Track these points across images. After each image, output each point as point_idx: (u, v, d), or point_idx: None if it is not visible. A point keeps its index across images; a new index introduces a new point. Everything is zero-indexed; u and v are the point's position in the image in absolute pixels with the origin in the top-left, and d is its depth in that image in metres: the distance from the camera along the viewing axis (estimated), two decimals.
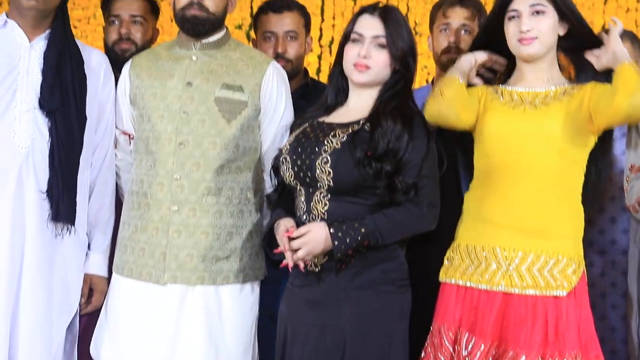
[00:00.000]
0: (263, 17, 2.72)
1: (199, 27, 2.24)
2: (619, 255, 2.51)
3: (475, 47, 2.22)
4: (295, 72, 2.71)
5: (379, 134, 2.00)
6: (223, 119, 2.21)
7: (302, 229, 2.00)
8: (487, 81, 2.23)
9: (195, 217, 2.19)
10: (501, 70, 2.23)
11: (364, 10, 2.14)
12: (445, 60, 2.57)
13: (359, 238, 1.96)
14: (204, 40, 2.28)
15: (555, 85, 2.08)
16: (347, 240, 1.95)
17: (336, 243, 1.94)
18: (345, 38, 2.14)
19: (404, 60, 2.09)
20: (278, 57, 2.62)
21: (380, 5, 2.13)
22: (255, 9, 4.62)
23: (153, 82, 2.27)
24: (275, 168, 2.18)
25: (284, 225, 2.05)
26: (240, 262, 2.23)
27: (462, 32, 2.59)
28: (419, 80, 4.61)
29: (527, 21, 2.03)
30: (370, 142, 2.00)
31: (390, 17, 2.09)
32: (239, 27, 4.82)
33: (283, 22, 2.67)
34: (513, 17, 2.06)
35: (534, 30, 2.03)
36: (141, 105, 2.28)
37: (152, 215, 2.21)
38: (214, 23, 2.26)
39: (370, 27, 2.09)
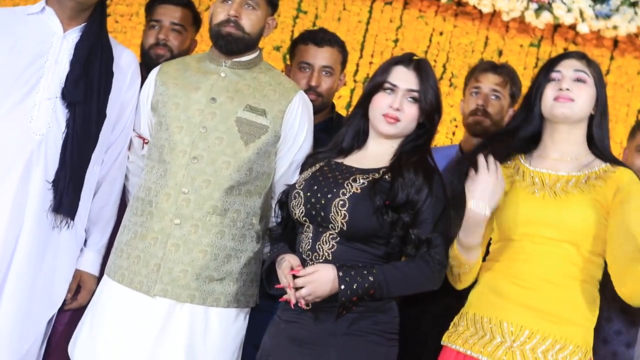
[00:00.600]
0: (302, 46, 2.72)
1: (232, 45, 2.25)
2: (622, 347, 2.45)
3: (514, 121, 2.18)
4: (324, 107, 2.72)
5: (399, 184, 2.00)
6: (241, 140, 2.21)
7: (310, 269, 1.98)
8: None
9: (196, 234, 2.18)
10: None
11: (399, 61, 2.14)
12: (472, 122, 2.66)
13: (366, 286, 1.94)
14: (235, 59, 2.29)
15: (579, 170, 2.04)
16: (354, 287, 1.93)
17: (342, 287, 1.92)
18: (376, 86, 2.13)
19: (430, 115, 2.11)
20: (310, 89, 2.63)
21: (415, 58, 2.14)
22: (296, 33, 4.72)
23: (177, 92, 2.27)
24: (282, 203, 2.17)
25: (289, 261, 2.03)
26: (234, 286, 2.21)
27: (492, 97, 2.67)
28: (445, 131, 4.66)
29: (569, 82, 2.04)
30: (390, 192, 2.00)
31: (425, 72, 2.11)
32: (277, 48, 4.84)
33: (322, 56, 2.67)
34: (554, 79, 2.06)
35: (574, 92, 2.02)
36: (162, 112, 2.28)
37: (153, 225, 2.20)
38: (248, 43, 2.27)
39: (405, 79, 2.10)
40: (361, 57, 4.81)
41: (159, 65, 2.40)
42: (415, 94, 2.09)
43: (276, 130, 2.25)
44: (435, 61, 4.71)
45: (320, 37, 2.69)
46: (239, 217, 2.22)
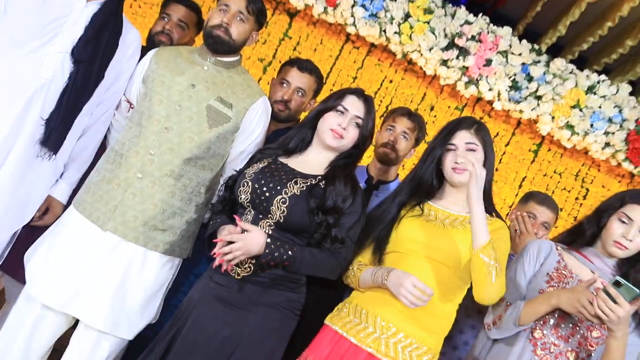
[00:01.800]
0: (289, 67, 2.71)
1: (218, 45, 2.23)
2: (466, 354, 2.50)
3: (422, 164, 2.19)
4: (289, 119, 2.71)
5: (331, 191, 2.00)
6: (207, 123, 2.19)
7: (248, 225, 1.96)
8: None
9: (152, 189, 2.15)
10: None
11: (353, 92, 2.15)
12: (381, 152, 2.70)
13: (284, 257, 1.94)
14: (219, 57, 2.27)
15: (467, 212, 2.07)
16: (275, 254, 1.93)
17: (266, 251, 1.92)
18: (330, 107, 2.13)
19: (364, 140, 2.12)
20: (282, 101, 2.62)
21: (365, 93, 2.16)
22: (279, 52, 4.71)
23: (166, 72, 2.24)
24: (228, 185, 2.15)
25: (229, 230, 1.99)
26: (173, 237, 2.19)
27: (402, 137, 2.71)
28: (367, 154, 4.63)
29: (462, 153, 2.05)
30: (322, 197, 2.00)
31: (371, 106, 2.13)
32: (261, 60, 4.80)
33: (300, 79, 2.66)
34: (450, 149, 2.08)
35: (466, 162, 2.04)
36: (149, 86, 2.24)
37: (119, 173, 2.16)
38: (232, 47, 2.26)
39: (355, 107, 2.11)
40: (325, 82, 4.80)
41: (157, 48, 2.36)
42: (360, 121, 2.10)
43: (237, 122, 2.24)
44: (381, 101, 4.73)
45: (304, 64, 2.68)
46: (190, 184, 2.20)
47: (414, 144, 2.76)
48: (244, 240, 1.92)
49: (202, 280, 2.09)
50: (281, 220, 1.98)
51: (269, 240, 1.93)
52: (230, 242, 1.94)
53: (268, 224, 2.00)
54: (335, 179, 2.03)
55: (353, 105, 2.11)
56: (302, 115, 2.76)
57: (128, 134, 2.21)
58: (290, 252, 1.94)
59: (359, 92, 2.15)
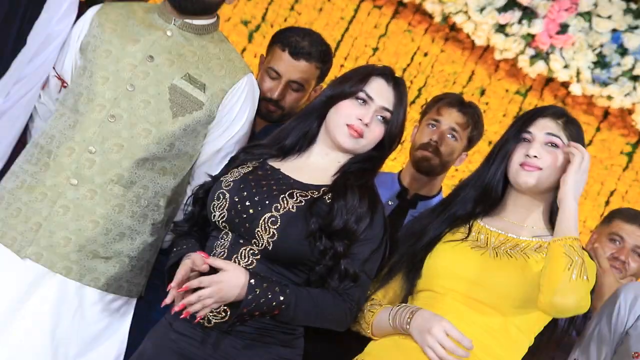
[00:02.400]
0: (278, 50, 2.68)
1: (187, 2, 2.24)
2: None
3: (477, 175, 2.21)
4: (284, 119, 2.69)
5: (340, 208, 2.00)
6: (170, 110, 2.21)
7: (221, 262, 1.96)
8: None
9: (92, 201, 2.17)
10: None
11: (381, 72, 2.14)
12: (419, 157, 2.74)
13: (274, 304, 1.93)
14: (187, 19, 2.28)
15: (533, 236, 2.08)
16: (262, 301, 1.92)
17: (249, 297, 1.91)
18: (348, 93, 2.12)
19: (391, 141, 2.13)
20: (271, 100, 2.63)
21: (396, 75, 2.16)
22: (270, 12, 4.72)
23: (113, 39, 2.25)
24: (197, 198, 2.15)
25: (194, 262, 1.98)
26: (119, 268, 2.20)
27: (449, 135, 2.74)
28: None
29: (539, 147, 2.07)
30: (328, 215, 1.99)
31: (403, 93, 2.14)
32: (245, 23, 4.85)
33: (294, 69, 2.65)
34: (524, 140, 2.09)
35: (542, 159, 2.05)
36: (90, 57, 2.26)
37: (45, 178, 2.17)
38: (206, 6, 2.27)
39: (383, 95, 2.11)
40: (334, 55, 4.83)
41: (100, 5, 2.38)
42: (388, 114, 2.10)
43: (212, 109, 2.25)
44: (411, 82, 4.78)
45: (299, 47, 2.64)
46: (145, 194, 2.21)
47: (466, 145, 2.78)
48: (217, 285, 1.92)
49: (159, 328, 2.08)
50: (269, 248, 1.98)
51: (252, 281, 1.92)
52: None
53: (251, 252, 2.01)
54: (347, 190, 2.03)
55: (380, 93, 2.11)
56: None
57: (59, 124, 2.22)
58: (282, 297, 1.94)
59: (388, 74, 2.15)
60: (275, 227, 1.98)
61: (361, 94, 2.10)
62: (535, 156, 2.04)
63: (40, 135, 2.26)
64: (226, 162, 2.23)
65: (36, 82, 2.33)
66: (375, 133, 2.09)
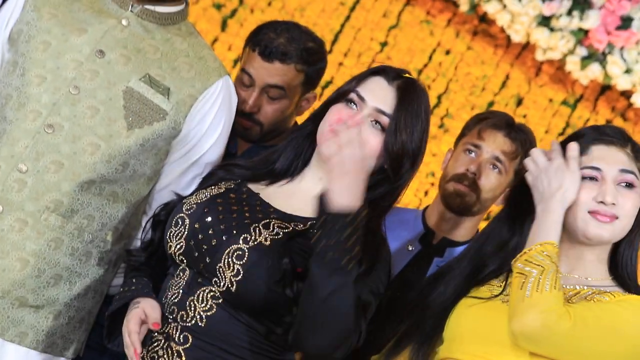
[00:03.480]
0: (249, 50, 2.77)
1: None
2: None
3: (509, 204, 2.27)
4: (267, 137, 2.77)
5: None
6: (124, 120, 2.24)
7: None
8: None
9: (21, 234, 2.18)
10: None
11: (380, 70, 2.19)
12: (452, 191, 2.75)
13: None
14: (149, 6, 2.32)
15: (585, 285, 2.11)
16: None
17: None
18: (338, 95, 2.18)
19: (397, 160, 2.13)
20: (244, 114, 2.69)
21: (406, 75, 2.18)
22: None
23: (53, 28, 2.28)
24: (158, 221, 2.19)
25: (144, 310, 2.02)
26: (53, 321, 2.22)
27: (491, 166, 2.75)
28: (415, 187, 4.66)
29: (613, 189, 2.08)
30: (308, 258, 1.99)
31: (410, 98, 2.13)
32: (218, 6, 4.88)
33: (268, 73, 2.72)
34: (590, 178, 2.10)
35: (618, 205, 2.07)
36: (22, 49, 2.28)
37: None
38: None
39: (379, 96, 2.14)
40: (330, 51, 4.87)
41: None
42: (385, 119, 2.11)
43: (177, 121, 2.28)
44: (429, 87, 4.81)
45: (273, 45, 2.71)
46: (90, 226, 2.23)
47: (513, 180, 2.76)
48: None
49: None
50: (232, 290, 2.01)
51: None
52: None
53: (211, 294, 2.04)
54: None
55: (374, 92, 2.14)
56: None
57: None
58: None
59: (389, 72, 2.18)
60: (241, 262, 2.00)
61: (351, 95, 2.14)
62: (613, 203, 2.06)
63: None
64: (194, 187, 2.26)
65: None
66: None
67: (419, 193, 4.61)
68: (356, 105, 2.13)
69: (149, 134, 2.25)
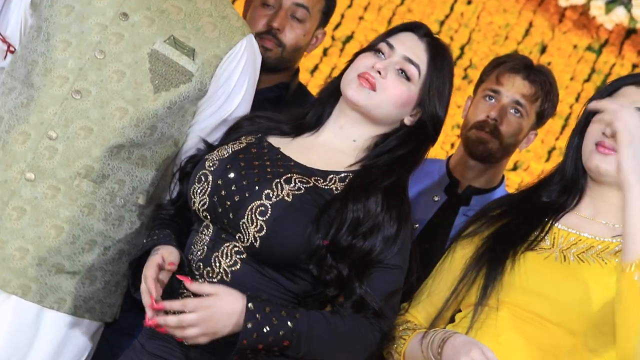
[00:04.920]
0: None
1: None
2: None
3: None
4: (281, 65, 2.81)
5: (354, 213, 2.03)
6: (151, 83, 2.25)
7: (208, 287, 2.00)
8: None
9: (54, 201, 2.21)
10: None
11: (412, 27, 2.21)
12: (474, 138, 2.77)
13: (281, 333, 1.98)
14: None
15: (611, 237, 2.11)
16: (265, 330, 1.96)
17: (249, 326, 1.96)
18: (367, 47, 2.21)
19: (434, 115, 2.17)
20: (269, 32, 2.73)
21: (433, 33, 2.22)
22: None
23: None
24: (185, 173, 2.21)
25: (163, 256, 2.03)
26: (89, 286, 2.25)
27: (512, 110, 2.76)
28: (441, 139, 4.65)
29: None
30: (335, 220, 2.02)
31: (442, 56, 2.18)
32: None
33: None
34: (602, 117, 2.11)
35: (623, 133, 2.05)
36: (45, 14, 2.29)
37: None
38: None
39: (409, 46, 2.17)
40: (350, 6, 4.86)
41: None
42: (413, 70, 2.15)
43: (203, 82, 2.29)
44: (451, 39, 4.81)
45: None
46: (121, 191, 2.26)
47: (535, 122, 2.81)
48: (204, 311, 1.96)
49: (128, 353, 2.14)
50: (256, 245, 2.04)
51: (250, 305, 1.97)
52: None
53: (236, 249, 2.07)
54: (369, 189, 2.07)
55: (404, 43, 2.18)
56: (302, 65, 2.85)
57: (7, 101, 2.27)
58: (290, 324, 1.99)
59: (421, 28, 2.21)
60: (264, 219, 2.03)
61: (380, 44, 2.17)
62: (614, 135, 2.04)
63: None
64: (225, 136, 2.28)
65: None
66: (395, 89, 2.13)
67: (445, 145, 4.63)
68: (384, 55, 2.16)
69: (176, 96, 2.27)
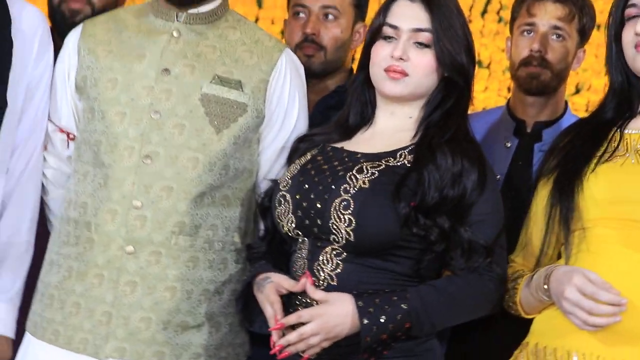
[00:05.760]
0: None
1: None
2: None
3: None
4: (329, 68, 2.85)
5: (430, 176, 2.07)
6: (211, 126, 2.30)
7: (320, 294, 2.05)
8: None
9: (159, 265, 2.27)
10: None
11: None
12: (525, 76, 2.76)
13: (399, 317, 2.02)
14: (192, 10, 2.37)
15: None
16: (382, 320, 2.01)
17: (366, 322, 2.00)
18: (374, 33, 2.23)
19: (456, 65, 2.19)
20: (306, 39, 2.78)
21: None
22: None
23: (113, 63, 2.35)
24: (264, 208, 2.27)
25: (278, 282, 2.10)
26: (217, 333, 2.31)
27: (553, 36, 2.75)
28: (497, 87, 4.62)
29: None
30: (418, 187, 2.07)
31: (437, 2, 2.19)
32: None
33: None
34: (633, 16, 2.11)
35: None
36: (93, 94, 2.35)
37: (95, 257, 2.28)
38: None
39: (409, 16, 2.19)
40: None
41: (80, 26, 2.46)
42: (426, 35, 2.18)
43: (258, 108, 2.34)
44: None
45: None
46: (216, 235, 2.31)
47: (579, 40, 2.80)
48: (320, 318, 2.02)
49: None
50: (352, 239, 2.08)
51: (360, 302, 2.01)
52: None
53: (334, 252, 2.11)
54: (435, 151, 2.10)
55: (404, 16, 2.20)
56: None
57: (86, 186, 2.33)
58: (404, 306, 2.03)
59: None
60: (350, 211, 2.07)
61: (385, 29, 2.20)
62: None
63: (67, 207, 2.36)
64: (287, 163, 2.33)
65: (35, 146, 2.43)
66: (419, 62, 2.17)
67: (502, 92, 4.59)
68: (393, 37, 2.19)
69: (237, 130, 2.31)
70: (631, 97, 2.17)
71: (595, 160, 2.11)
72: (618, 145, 2.13)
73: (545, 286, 2.03)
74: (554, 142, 2.27)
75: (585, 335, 2.01)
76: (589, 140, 2.16)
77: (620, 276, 1.99)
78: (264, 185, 2.39)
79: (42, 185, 2.49)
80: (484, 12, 4.66)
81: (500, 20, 4.76)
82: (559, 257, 2.19)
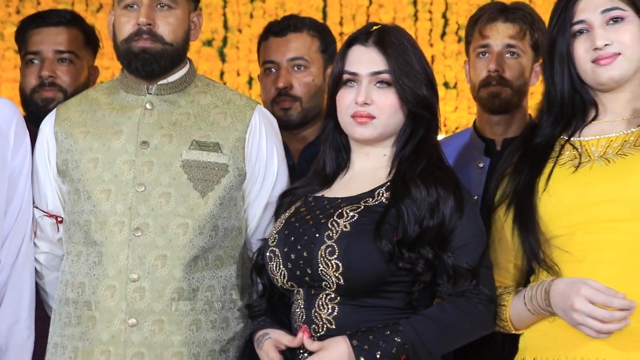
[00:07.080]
0: (264, 44, 2.95)
1: (151, 64, 2.39)
2: None
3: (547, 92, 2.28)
4: (309, 116, 2.92)
5: (408, 208, 2.12)
6: (196, 190, 2.36)
7: (316, 345, 2.10)
8: None
9: (163, 333, 2.32)
10: None
11: (353, 39, 2.29)
12: (486, 96, 2.81)
13: (394, 351, 2.07)
14: (161, 82, 2.44)
15: (637, 125, 2.15)
16: (378, 356, 2.06)
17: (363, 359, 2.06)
18: (335, 81, 2.29)
19: (418, 99, 2.23)
20: (281, 94, 2.85)
21: (374, 28, 2.28)
22: (229, 15, 4.79)
23: (92, 143, 2.41)
24: (258, 267, 2.32)
25: (275, 338, 2.16)
26: None
27: (507, 55, 2.82)
28: (466, 105, 4.64)
29: (602, 31, 2.13)
30: (398, 222, 2.12)
31: (390, 43, 2.25)
32: (209, 42, 4.96)
33: (286, 47, 2.88)
34: (580, 31, 2.16)
35: (615, 43, 2.11)
36: (76, 176, 2.41)
37: (99, 334, 2.33)
38: (173, 56, 2.42)
39: (366, 61, 2.25)
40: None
41: (53, 112, 2.51)
42: (385, 76, 2.23)
43: (239, 166, 2.40)
44: (430, 12, 4.82)
45: (280, 25, 2.89)
46: (215, 295, 2.37)
47: (534, 55, 2.85)
48: None
49: None
50: (341, 282, 2.13)
51: (354, 342, 2.06)
52: None
53: (329, 297, 2.16)
54: (409, 185, 2.16)
55: (360, 61, 2.25)
56: None
57: (80, 266, 2.37)
58: (398, 339, 2.08)
59: (361, 35, 2.29)
60: (335, 256, 2.13)
61: (344, 76, 2.25)
62: (607, 44, 2.11)
63: (64, 289, 2.40)
64: (273, 218, 2.38)
65: (24, 234, 2.48)
66: (385, 103, 2.22)
67: (472, 110, 4.62)
68: (354, 82, 2.24)
69: (222, 190, 2.37)
70: (574, 108, 2.20)
71: (544, 178, 2.15)
72: (580, 153, 2.16)
73: (546, 301, 2.06)
74: (499, 169, 2.31)
75: (595, 343, 2.04)
76: (535, 161, 2.20)
77: (617, 280, 2.03)
78: (255, 239, 2.44)
79: (36, 270, 2.52)
80: (443, 34, 4.72)
81: (459, 40, 4.81)
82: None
